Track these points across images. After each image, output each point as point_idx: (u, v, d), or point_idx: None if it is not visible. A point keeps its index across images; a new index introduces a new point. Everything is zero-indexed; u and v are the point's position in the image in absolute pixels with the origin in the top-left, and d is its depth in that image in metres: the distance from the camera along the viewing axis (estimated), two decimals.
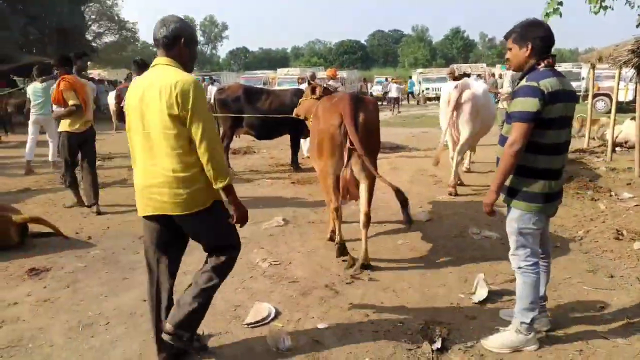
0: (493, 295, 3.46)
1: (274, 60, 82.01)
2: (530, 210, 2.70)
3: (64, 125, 5.63)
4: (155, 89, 2.35)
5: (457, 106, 6.40)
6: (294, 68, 37.95)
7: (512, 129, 2.61)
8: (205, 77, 23.22)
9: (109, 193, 6.72)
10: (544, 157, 2.64)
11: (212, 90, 15.87)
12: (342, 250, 4.17)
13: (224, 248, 2.70)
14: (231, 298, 3.52)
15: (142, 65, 6.00)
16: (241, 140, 10.21)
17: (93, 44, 33.13)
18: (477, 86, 6.68)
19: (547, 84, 2.55)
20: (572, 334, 2.97)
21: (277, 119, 8.01)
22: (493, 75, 26.23)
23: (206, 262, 2.72)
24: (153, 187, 2.46)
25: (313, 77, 10.94)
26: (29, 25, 23.77)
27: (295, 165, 8.53)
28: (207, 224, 2.58)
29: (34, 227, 4.80)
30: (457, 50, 79.08)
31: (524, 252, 2.78)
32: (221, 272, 2.70)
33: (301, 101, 5.51)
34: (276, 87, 22.68)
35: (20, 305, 3.44)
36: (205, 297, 2.65)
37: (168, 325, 2.56)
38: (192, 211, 2.46)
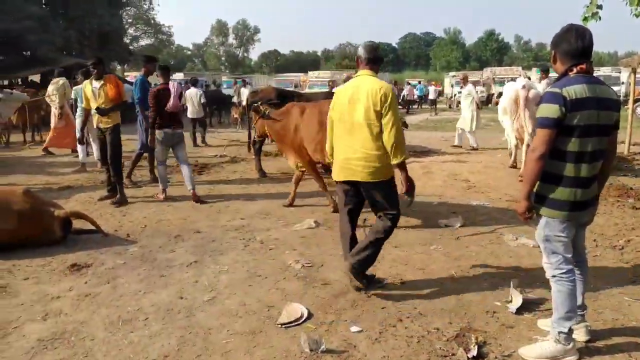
0: (530, 304, 3.39)
1: (305, 62, 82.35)
2: (555, 217, 2.67)
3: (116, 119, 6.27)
4: (363, 92, 3.39)
5: (526, 104, 7.35)
6: (324, 71, 38.07)
7: (536, 134, 2.62)
8: (237, 80, 23.52)
9: (145, 192, 6.91)
10: (569, 165, 2.61)
11: (244, 93, 16.12)
12: None
13: (390, 213, 3.54)
14: (264, 298, 3.57)
15: (165, 70, 6.58)
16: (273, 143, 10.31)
17: (130, 47, 34.08)
18: (539, 87, 7.94)
19: (572, 90, 2.53)
20: (613, 345, 2.89)
21: None
22: (529, 78, 25.64)
23: (376, 223, 3.62)
24: (352, 160, 3.47)
25: (332, 81, 11.09)
26: (69, 28, 24.68)
27: (326, 168, 8.55)
28: (384, 192, 3.50)
29: (75, 225, 4.99)
30: (491, 53, 77.71)
31: (556, 260, 2.74)
32: (386, 231, 3.56)
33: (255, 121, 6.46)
34: (307, 90, 22.85)
35: (62, 299, 3.59)
36: (375, 247, 3.57)
37: (350, 259, 3.53)
38: (377, 180, 3.42)
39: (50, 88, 9.74)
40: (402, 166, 3.40)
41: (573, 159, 2.61)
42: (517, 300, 3.40)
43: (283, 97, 8.35)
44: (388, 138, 3.34)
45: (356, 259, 3.51)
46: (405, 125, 10.57)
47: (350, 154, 3.45)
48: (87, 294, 3.65)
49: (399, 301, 3.51)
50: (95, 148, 8.20)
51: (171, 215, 5.79)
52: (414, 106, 28.90)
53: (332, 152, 3.69)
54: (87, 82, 6.37)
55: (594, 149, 2.62)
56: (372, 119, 3.36)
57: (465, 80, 11.49)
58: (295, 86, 27.81)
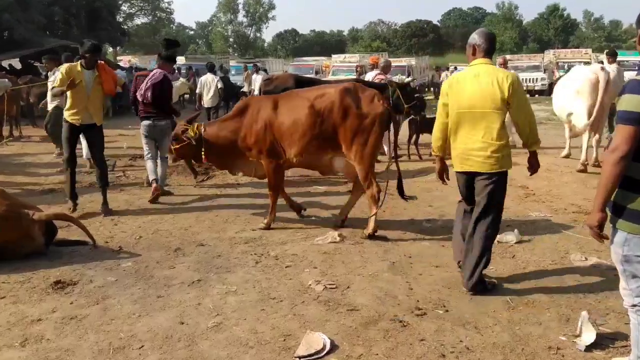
0: (603, 339, 3.33)
1: (328, 44, 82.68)
2: (637, 233, 2.59)
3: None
4: (487, 81, 3.85)
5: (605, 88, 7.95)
6: (351, 54, 38.15)
7: (616, 131, 2.56)
8: (248, 65, 23.68)
9: (141, 197, 7.02)
10: None
11: (257, 80, 16.22)
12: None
13: (496, 207, 4.01)
14: (280, 325, 3.59)
15: (170, 59, 7.02)
16: None
17: (124, 27, 34.77)
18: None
19: None
20: None
21: None
22: (601, 62, 25.17)
23: (479, 220, 4.02)
24: (472, 151, 3.92)
25: (387, 66, 10.82)
26: (53, 5, 25.29)
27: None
28: (497, 185, 3.94)
29: (59, 235, 5.11)
30: (554, 32, 76.62)
31: (637, 286, 2.67)
32: (495, 225, 4.05)
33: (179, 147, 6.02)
34: (330, 77, 22.86)
35: (44, 322, 3.67)
36: (487, 244, 4.02)
37: (469, 282, 4.05)
38: (496, 171, 3.90)
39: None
40: (535, 153, 4.09)
41: None
42: (587, 334, 3.34)
43: (302, 86, 8.39)
44: (522, 126, 3.97)
45: (476, 279, 4.03)
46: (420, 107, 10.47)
47: (471, 144, 3.95)
48: (73, 317, 3.72)
49: (441, 332, 3.49)
50: (85, 145, 8.38)
51: (170, 225, 5.88)
52: None
53: (440, 144, 4.23)
54: (71, 65, 6.43)
55: None
56: (498, 107, 3.86)
57: (504, 65, 11.13)
58: (317, 72, 27.93)
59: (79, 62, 6.38)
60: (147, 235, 5.54)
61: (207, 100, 12.98)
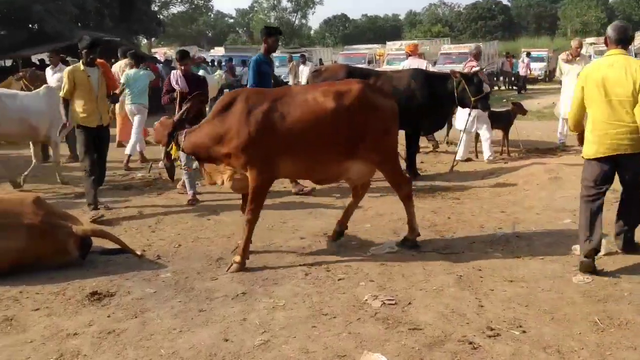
0: None
1: (382, 30, 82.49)
2: None
3: None
4: (622, 70, 4.57)
5: None
6: (409, 41, 37.87)
7: None
8: (293, 55, 23.86)
9: (179, 202, 7.20)
10: None
11: (304, 72, 16.35)
12: None
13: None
14: (333, 345, 3.61)
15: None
16: None
17: (159, 17, 35.72)
18: None
19: None
20: None
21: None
22: None
23: (630, 192, 4.98)
24: (613, 135, 4.63)
25: (478, 53, 10.65)
26: None
27: (412, 171, 8.51)
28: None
29: (97, 243, 5.31)
30: None
31: None
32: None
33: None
34: (385, 67, 22.78)
35: (80, 336, 3.82)
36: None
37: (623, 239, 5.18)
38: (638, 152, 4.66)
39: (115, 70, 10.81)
40: None
41: None
42: None
43: (356, 78, 8.40)
44: None
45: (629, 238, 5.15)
46: (523, 110, 10.28)
47: (611, 129, 4.62)
48: (111, 331, 3.86)
49: (518, 356, 3.43)
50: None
51: (211, 232, 6.00)
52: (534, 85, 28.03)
53: (577, 119, 5.03)
54: (73, 67, 6.79)
55: None
56: (630, 95, 4.52)
57: (579, 49, 10.68)
58: (369, 62, 27.91)
59: (80, 62, 6.71)
60: (187, 243, 5.69)
61: None
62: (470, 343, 3.59)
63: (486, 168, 9.01)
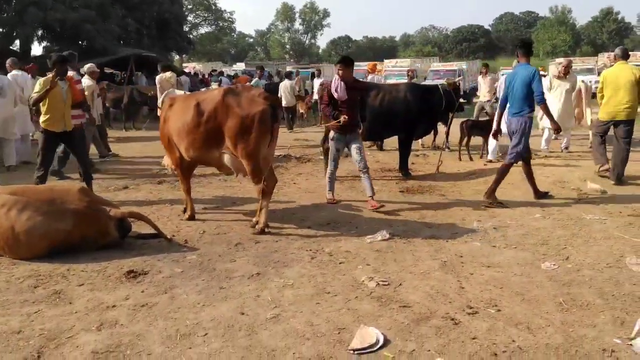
0: None
1: (380, 50, 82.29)
2: None
3: None
4: (627, 71, 7.57)
5: None
6: (403, 59, 37.77)
7: None
8: (300, 70, 23.77)
9: (204, 194, 7.19)
10: None
11: (316, 84, 16.30)
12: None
13: (630, 137, 7.54)
14: (334, 319, 3.59)
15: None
16: None
17: (190, 36, 35.75)
18: None
19: None
20: None
21: (388, 118, 8.06)
22: None
23: (620, 141, 7.50)
24: (618, 107, 7.49)
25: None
26: (128, 16, 26.34)
27: (404, 171, 8.47)
28: (631, 127, 7.56)
29: (134, 229, 5.30)
30: (608, 36, 73.20)
31: None
32: (628, 144, 7.52)
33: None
34: (382, 80, 22.72)
35: (118, 308, 3.81)
36: (626, 154, 7.51)
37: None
38: (631, 119, 7.48)
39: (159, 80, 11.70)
40: None
41: None
42: None
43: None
44: None
45: (619, 173, 7.51)
46: (461, 108, 10.06)
47: (615, 105, 7.52)
48: (144, 304, 3.85)
49: (493, 332, 3.39)
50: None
51: (231, 222, 5.99)
52: None
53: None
54: (45, 79, 6.52)
55: None
56: (633, 84, 7.37)
57: (569, 67, 10.62)
58: None
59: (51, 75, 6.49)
60: (210, 230, 5.67)
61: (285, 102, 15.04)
62: (452, 319, 3.56)
63: (468, 169, 8.95)
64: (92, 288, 4.17)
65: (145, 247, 5.08)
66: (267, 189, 5.61)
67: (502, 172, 6.63)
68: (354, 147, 6.52)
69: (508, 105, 6.70)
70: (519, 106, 6.51)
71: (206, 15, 43.96)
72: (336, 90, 6.40)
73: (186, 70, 27.28)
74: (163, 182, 8.07)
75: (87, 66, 10.15)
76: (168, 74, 12.64)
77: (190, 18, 41.81)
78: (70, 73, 7.96)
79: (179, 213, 6.30)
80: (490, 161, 9.44)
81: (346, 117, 6.28)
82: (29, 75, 9.73)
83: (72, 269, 4.54)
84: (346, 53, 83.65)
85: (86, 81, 9.48)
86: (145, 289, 4.13)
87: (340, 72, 6.51)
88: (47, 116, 6.51)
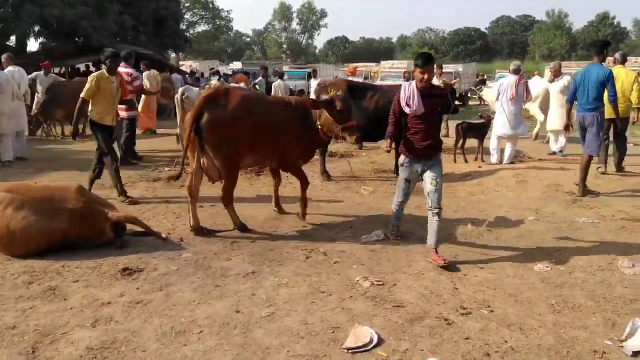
0: None
1: (377, 51, 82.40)
2: None
3: None
4: (625, 75, 8.28)
5: None
6: (400, 60, 37.80)
7: None
8: (285, 70, 23.65)
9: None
10: None
11: (313, 85, 16.30)
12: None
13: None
14: (329, 318, 3.61)
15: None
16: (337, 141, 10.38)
17: (186, 34, 35.67)
18: None
19: None
20: None
21: (386, 119, 8.07)
22: None
23: (616, 140, 8.37)
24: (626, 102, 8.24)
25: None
26: (124, 13, 26.25)
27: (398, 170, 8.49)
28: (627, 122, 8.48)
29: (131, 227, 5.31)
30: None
31: None
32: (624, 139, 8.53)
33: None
34: (378, 82, 22.76)
35: (113, 305, 3.82)
36: (624, 151, 8.56)
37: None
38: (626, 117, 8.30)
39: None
40: None
41: None
42: (636, 340, 3.21)
43: (356, 92, 8.38)
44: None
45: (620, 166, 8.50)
46: (455, 110, 10.15)
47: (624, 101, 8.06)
48: (139, 301, 3.86)
49: (486, 332, 3.43)
50: None
51: (227, 220, 5.97)
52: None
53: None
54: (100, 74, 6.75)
55: None
56: (631, 84, 8.10)
57: (558, 70, 10.78)
58: (365, 78, 27.80)
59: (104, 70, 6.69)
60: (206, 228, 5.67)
61: None
62: (446, 319, 3.60)
63: (463, 171, 8.98)
64: (87, 285, 4.18)
65: (141, 245, 5.09)
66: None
67: (586, 165, 7.13)
68: (429, 176, 4.84)
69: (579, 101, 7.27)
70: (594, 102, 7.03)
71: (203, 13, 43.89)
72: (408, 103, 4.79)
73: (182, 68, 27.23)
74: (158, 180, 8.06)
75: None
76: (154, 71, 12.96)
77: (187, 16, 41.79)
78: (128, 70, 8.09)
79: (174, 211, 6.31)
80: (512, 162, 9.44)
81: (390, 148, 5.00)
82: (42, 72, 9.79)
83: (66, 265, 4.55)
84: (343, 54, 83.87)
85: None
86: (141, 286, 4.14)
87: (422, 75, 4.73)
88: (97, 110, 6.67)
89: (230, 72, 22.59)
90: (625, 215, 6.16)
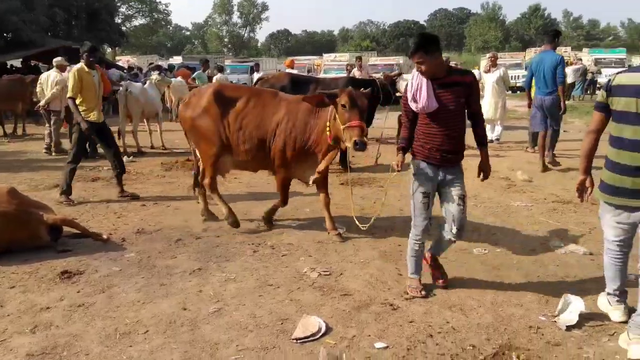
0: (582, 319, 3.41)
1: (319, 44, 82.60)
2: (601, 198, 3.35)
3: None
4: None
5: None
6: (342, 53, 38.11)
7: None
8: (227, 64, 23.44)
9: (142, 191, 7.02)
10: (611, 149, 3.23)
11: (255, 78, 16.17)
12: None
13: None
14: (277, 310, 3.64)
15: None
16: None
17: (122, 28, 34.51)
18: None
19: (620, 77, 3.17)
20: None
21: None
22: (580, 60, 25.31)
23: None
24: None
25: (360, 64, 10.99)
26: (55, 6, 25.09)
27: (344, 164, 8.60)
28: None
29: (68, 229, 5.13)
30: (535, 32, 76.81)
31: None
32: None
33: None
34: (322, 75, 22.88)
35: (53, 310, 3.69)
36: None
37: None
38: None
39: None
40: None
41: (613, 144, 3.25)
42: (568, 315, 3.42)
43: (298, 85, 8.39)
44: None
45: None
46: (397, 101, 10.41)
47: None
48: (80, 304, 3.75)
49: (429, 314, 3.55)
50: None
51: (171, 218, 5.89)
52: None
53: None
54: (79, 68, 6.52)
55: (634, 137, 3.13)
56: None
57: (494, 60, 11.33)
58: (309, 71, 27.92)
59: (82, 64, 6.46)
60: (149, 227, 5.55)
61: None
62: (391, 305, 3.70)
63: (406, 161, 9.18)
64: (24, 290, 4.02)
65: (81, 247, 4.93)
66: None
67: (542, 142, 8.05)
68: (452, 193, 3.90)
69: (537, 86, 8.08)
70: (551, 86, 7.76)
71: (140, 6, 42.54)
72: (415, 99, 3.69)
73: (119, 63, 26.34)
74: (97, 180, 7.81)
75: (56, 59, 9.99)
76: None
77: (123, 9, 40.34)
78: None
79: (115, 211, 6.14)
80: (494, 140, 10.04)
81: (398, 164, 3.83)
82: None
83: (1, 271, 4.35)
84: (285, 47, 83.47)
85: (54, 74, 9.46)
86: (82, 289, 4.02)
87: (419, 66, 3.66)
88: (83, 107, 6.39)
89: (166, 67, 21.96)
90: (556, 198, 6.50)
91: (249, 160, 5.31)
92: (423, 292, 3.81)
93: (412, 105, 3.74)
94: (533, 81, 8.36)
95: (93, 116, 6.45)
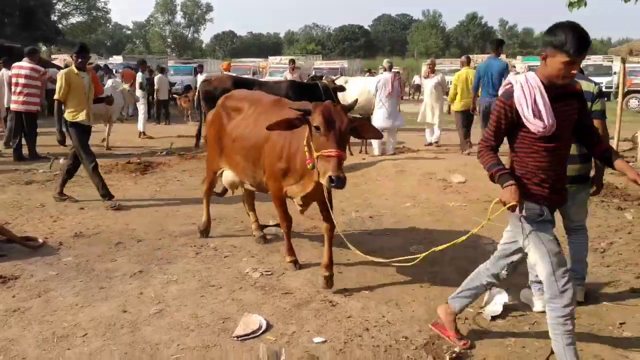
0: (506, 310, 3.66)
1: (265, 46, 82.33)
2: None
3: None
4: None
5: None
6: (287, 56, 38.16)
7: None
8: (170, 65, 23.06)
9: (79, 194, 6.87)
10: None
11: (199, 80, 16.04)
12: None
13: None
14: (219, 310, 3.70)
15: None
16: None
17: (58, 25, 33.23)
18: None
19: None
20: (588, 352, 3.17)
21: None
22: (514, 67, 26.53)
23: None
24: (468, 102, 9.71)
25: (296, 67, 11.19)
26: None
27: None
28: None
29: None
30: (473, 39, 79.73)
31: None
32: None
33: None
34: (267, 78, 22.89)
35: None
36: None
37: None
38: None
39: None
40: None
41: None
42: (493, 306, 3.67)
43: (240, 87, 8.43)
44: None
45: None
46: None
47: None
48: (16, 309, 3.67)
49: (366, 310, 3.71)
50: None
51: (111, 221, 5.81)
52: None
53: None
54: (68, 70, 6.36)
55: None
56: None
57: (432, 67, 12.07)
58: (254, 73, 27.83)
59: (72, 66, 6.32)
60: (88, 231, 5.46)
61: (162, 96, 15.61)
62: (330, 302, 3.84)
63: (347, 164, 9.39)
64: None
65: (14, 251, 4.78)
66: None
67: None
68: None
69: (484, 89, 9.01)
70: (497, 90, 8.07)
71: (77, 3, 41.06)
72: (536, 114, 2.71)
73: (56, 62, 25.35)
74: (32, 183, 7.56)
75: None
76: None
77: (59, 6, 38.82)
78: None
79: (52, 214, 5.98)
80: (394, 153, 10.13)
81: (518, 201, 2.95)
82: None
83: None
84: (231, 49, 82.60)
85: None
86: (17, 294, 3.93)
87: (570, 68, 2.64)
88: (69, 109, 6.22)
89: (102, 66, 21.29)
90: (488, 198, 6.85)
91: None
92: None
93: (531, 125, 2.72)
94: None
95: (80, 117, 6.29)
